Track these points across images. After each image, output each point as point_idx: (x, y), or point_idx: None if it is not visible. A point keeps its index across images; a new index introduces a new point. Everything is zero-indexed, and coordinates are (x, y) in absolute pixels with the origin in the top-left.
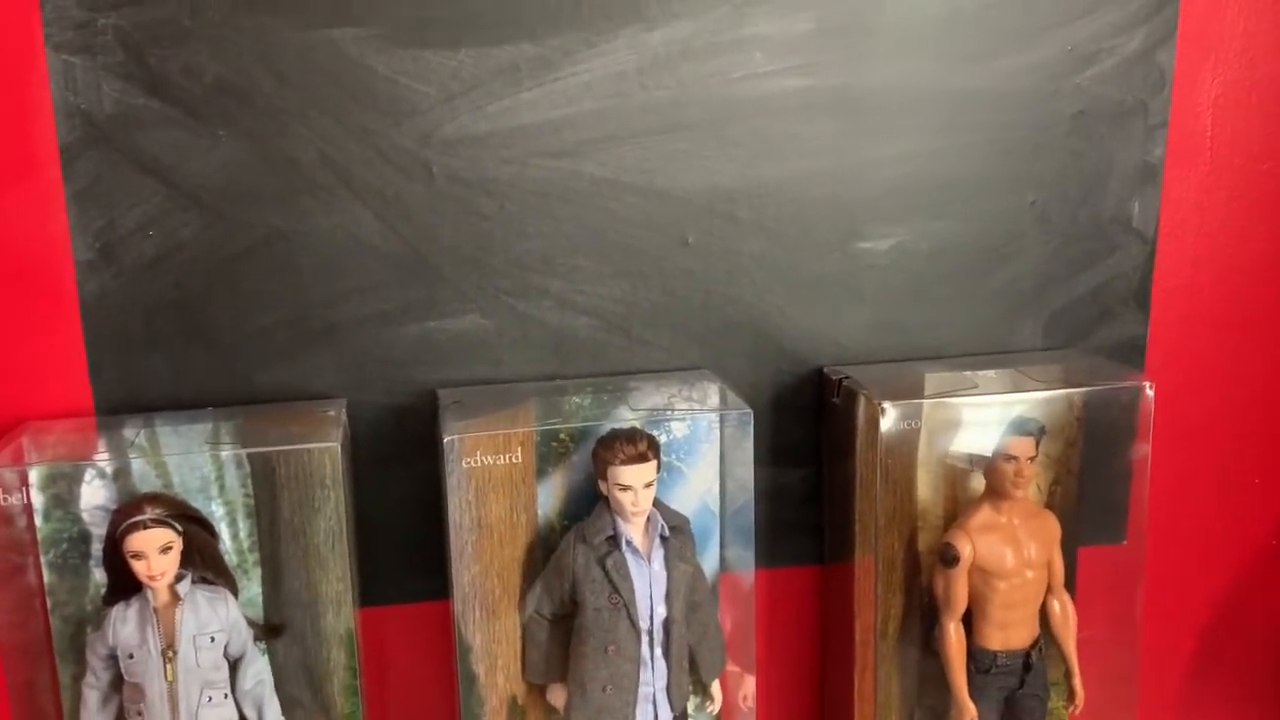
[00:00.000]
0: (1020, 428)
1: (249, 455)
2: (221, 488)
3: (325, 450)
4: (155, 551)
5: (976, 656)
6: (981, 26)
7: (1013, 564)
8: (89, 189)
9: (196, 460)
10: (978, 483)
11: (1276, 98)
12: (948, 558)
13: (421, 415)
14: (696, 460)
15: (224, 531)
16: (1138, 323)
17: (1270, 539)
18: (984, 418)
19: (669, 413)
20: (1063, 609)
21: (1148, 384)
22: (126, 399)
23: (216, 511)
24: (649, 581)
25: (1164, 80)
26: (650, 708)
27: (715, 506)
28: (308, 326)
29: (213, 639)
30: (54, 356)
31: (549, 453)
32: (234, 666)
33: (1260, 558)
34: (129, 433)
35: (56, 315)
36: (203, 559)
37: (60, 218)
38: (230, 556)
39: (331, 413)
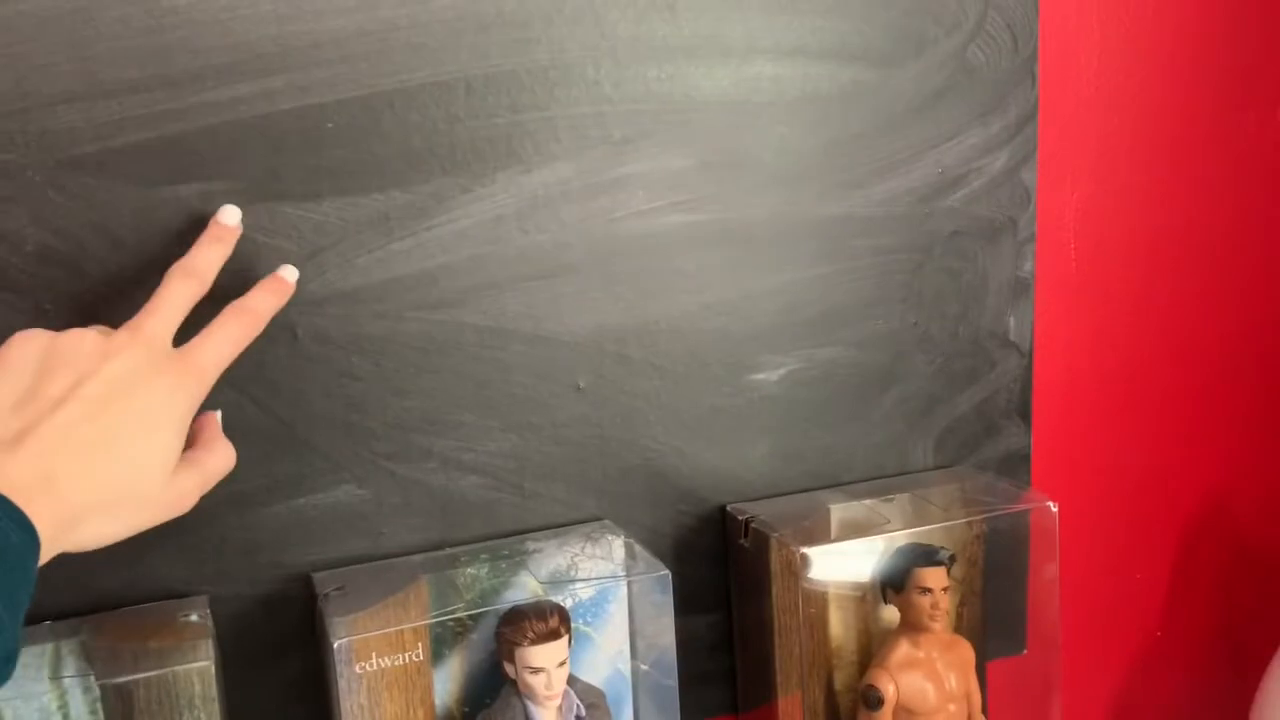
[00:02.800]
0: (930, 558)
1: (100, 683)
2: (66, 718)
3: (194, 670)
4: None
5: None
6: (856, 154)
7: (935, 700)
8: None
9: (34, 689)
10: (887, 615)
11: (1133, 207)
12: (871, 699)
13: (294, 604)
14: (604, 623)
15: None
16: (1020, 435)
17: (1154, 630)
18: (892, 549)
19: (578, 582)
20: None
21: (1050, 503)
22: None
23: None
24: None
25: (1029, 197)
26: None
27: (626, 670)
28: None
29: None
30: None
31: (445, 635)
32: None
33: (1148, 649)
34: None
35: None
36: None
37: None
38: None
39: (194, 617)
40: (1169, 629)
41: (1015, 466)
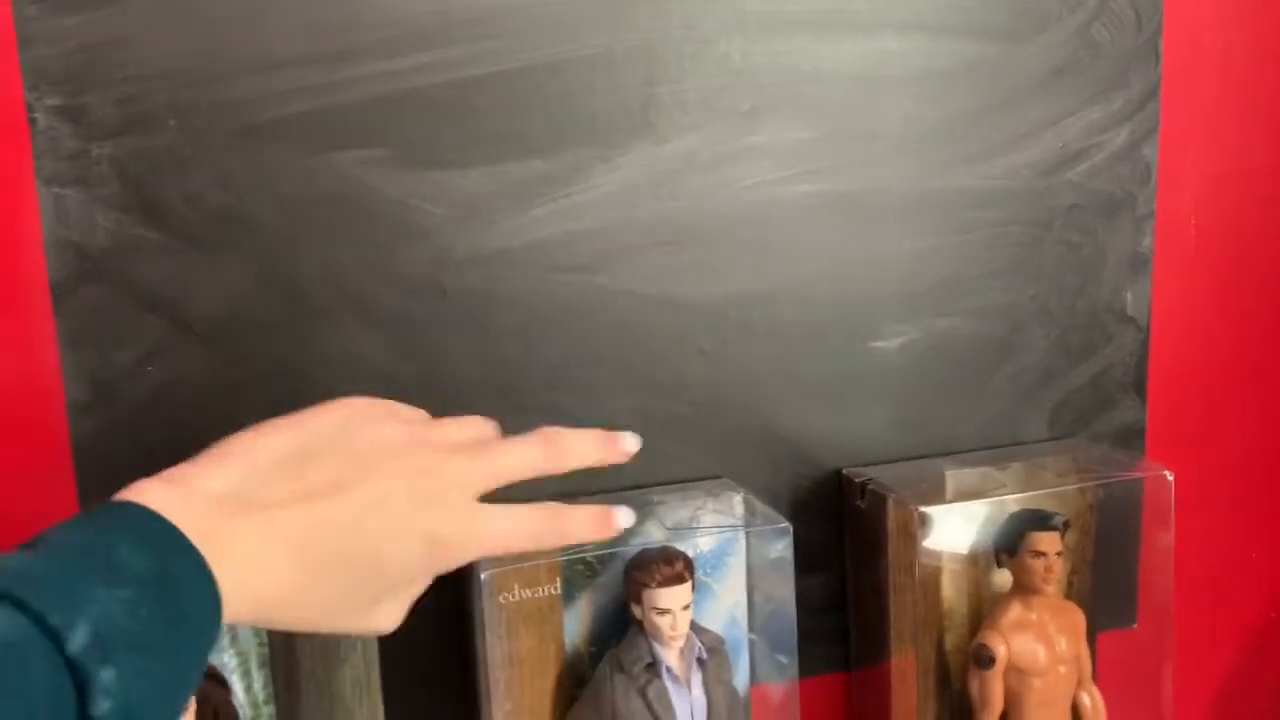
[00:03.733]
0: (1045, 522)
1: None
2: (234, 637)
3: None
4: None
5: None
6: (977, 128)
7: (1046, 661)
8: (82, 326)
9: None
10: (998, 580)
11: (1256, 186)
12: (983, 659)
13: None
14: (723, 575)
15: (236, 684)
16: (1136, 409)
17: (1269, 611)
18: (1007, 514)
19: (701, 530)
20: (1093, 701)
21: (1166, 471)
22: None
23: (228, 663)
24: (690, 710)
25: (1149, 173)
26: None
27: (743, 620)
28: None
29: None
30: (43, 503)
31: (574, 577)
32: None
33: (1261, 629)
34: None
35: (47, 460)
36: (217, 715)
37: (51, 358)
38: (244, 710)
39: None
40: None
41: (1130, 441)
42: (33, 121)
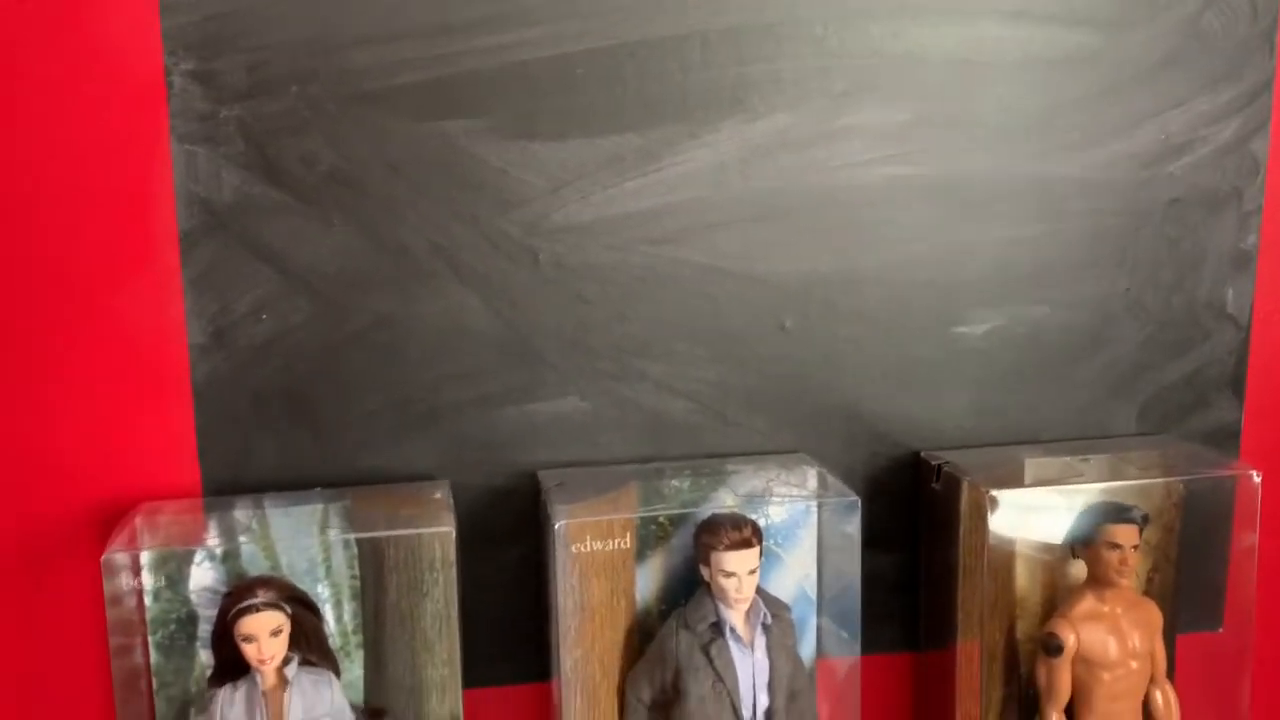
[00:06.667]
0: (1124, 515)
1: (357, 538)
2: (328, 570)
3: (437, 535)
4: (266, 635)
5: None
6: (1076, 117)
7: (1117, 654)
8: (205, 274)
9: (305, 543)
10: (1074, 571)
11: None
12: (1051, 647)
13: (521, 497)
14: (794, 546)
15: (328, 614)
16: (1232, 409)
17: None
18: (1084, 505)
19: (773, 497)
20: (1165, 700)
21: (1254, 471)
22: (233, 479)
23: (322, 594)
24: (752, 670)
25: (1258, 168)
26: None
27: (813, 593)
28: (411, 410)
29: None
30: (165, 437)
31: (648, 536)
32: None
33: None
34: (240, 515)
35: (169, 397)
36: (308, 642)
37: (177, 302)
38: (333, 639)
39: (438, 495)
40: None
41: (1223, 442)
42: (170, 84)
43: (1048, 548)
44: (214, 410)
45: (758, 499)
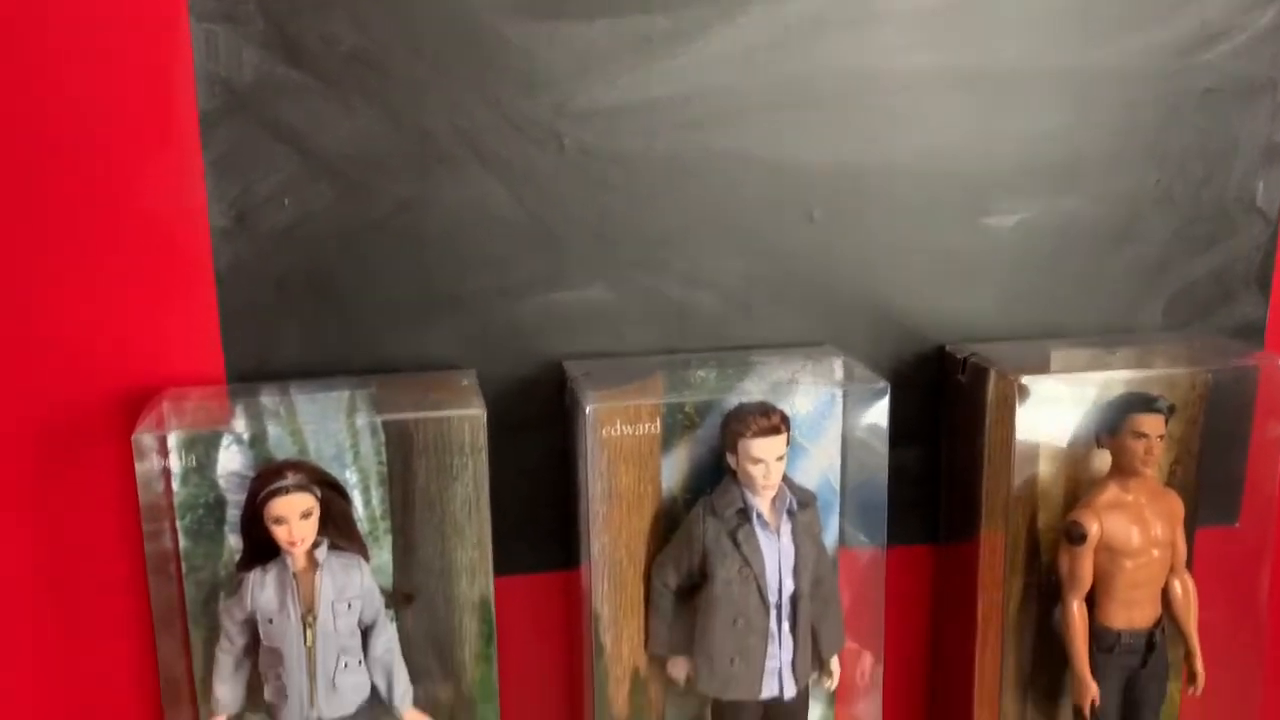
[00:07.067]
0: (1149, 404)
1: (384, 423)
2: (356, 455)
3: (467, 418)
4: (297, 517)
5: (1099, 636)
6: (1112, 5)
7: (1139, 542)
8: (226, 157)
9: (332, 428)
10: (1098, 464)
11: None
12: (1074, 535)
13: (546, 387)
14: (819, 436)
15: (356, 500)
16: (1258, 304)
17: None
18: (1109, 396)
19: (799, 385)
20: (1184, 589)
21: None
22: (256, 366)
23: (350, 479)
24: (778, 555)
25: None
26: (775, 681)
27: (836, 483)
28: (435, 297)
29: (349, 605)
30: (188, 323)
31: (675, 425)
32: (364, 634)
33: None
34: (266, 400)
35: (192, 282)
36: (337, 526)
37: (198, 185)
38: (362, 525)
39: (466, 382)
40: None
41: (1249, 336)
42: None
43: (1073, 441)
44: (237, 296)
45: (784, 386)
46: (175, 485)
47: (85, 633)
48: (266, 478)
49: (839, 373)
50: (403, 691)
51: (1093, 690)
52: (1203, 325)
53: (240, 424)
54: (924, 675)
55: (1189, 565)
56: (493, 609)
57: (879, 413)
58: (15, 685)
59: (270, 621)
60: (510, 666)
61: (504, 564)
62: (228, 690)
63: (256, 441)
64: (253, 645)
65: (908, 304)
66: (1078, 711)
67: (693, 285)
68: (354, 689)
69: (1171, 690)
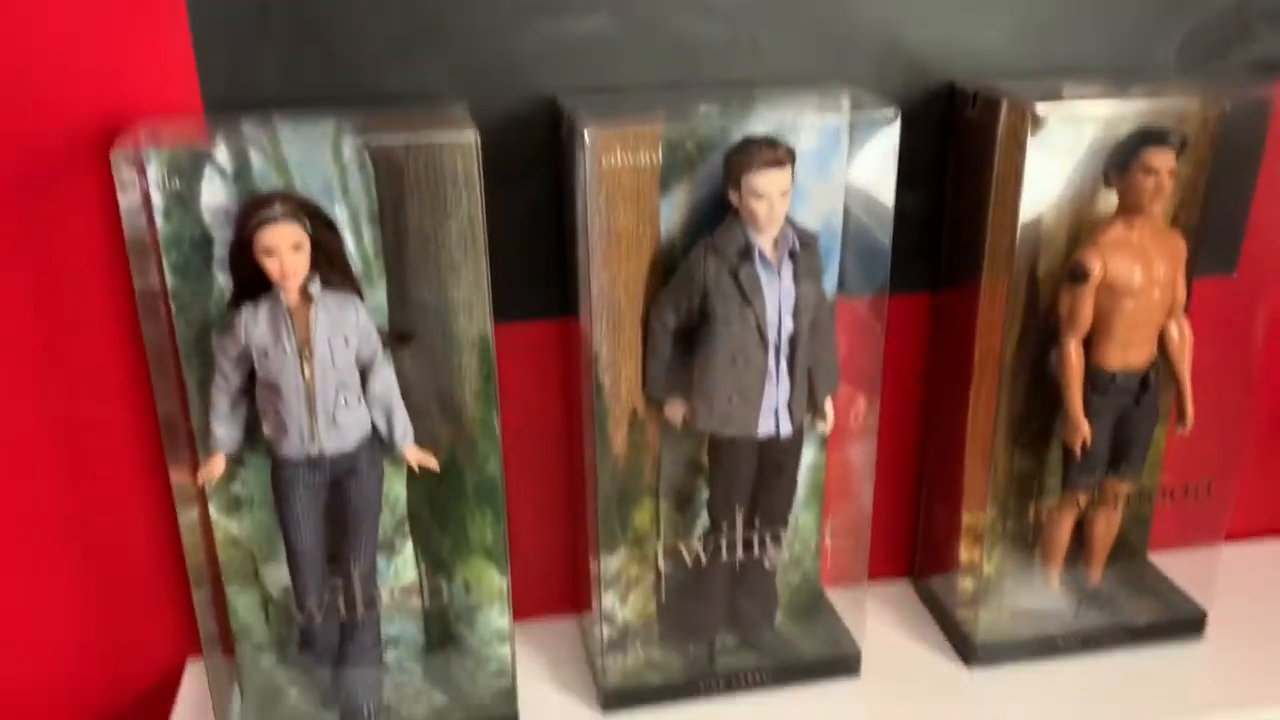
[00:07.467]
0: (1162, 138)
1: (374, 156)
2: (345, 190)
3: (459, 146)
4: (287, 248)
5: (1094, 377)
6: None
7: (1141, 282)
8: None
9: (318, 160)
10: (1103, 208)
11: None
12: (1077, 274)
13: (541, 124)
14: (824, 178)
15: (347, 238)
16: (1275, 41)
17: None
18: (1119, 133)
19: (806, 116)
20: (1180, 332)
21: None
22: (235, 97)
23: (339, 215)
24: (778, 295)
25: None
26: (772, 421)
27: (839, 225)
28: (423, 25)
29: (346, 341)
30: (159, 50)
31: (675, 163)
32: (362, 374)
33: None
34: (248, 129)
35: (162, 5)
36: (329, 262)
37: None
38: (355, 263)
39: (457, 113)
40: None
41: (1267, 75)
42: None
43: (1080, 184)
44: (211, 20)
45: (790, 123)
46: (159, 220)
47: (80, 377)
48: (253, 206)
49: (846, 106)
50: (403, 430)
51: (1084, 430)
52: (1220, 64)
53: (222, 153)
54: (917, 420)
55: (1185, 313)
56: (492, 347)
57: (887, 146)
58: (11, 435)
59: (266, 355)
60: (510, 412)
61: (501, 311)
62: (225, 429)
63: (240, 175)
64: (249, 384)
65: (917, 39)
66: (1068, 451)
67: (699, 15)
68: (354, 425)
69: (1158, 434)
